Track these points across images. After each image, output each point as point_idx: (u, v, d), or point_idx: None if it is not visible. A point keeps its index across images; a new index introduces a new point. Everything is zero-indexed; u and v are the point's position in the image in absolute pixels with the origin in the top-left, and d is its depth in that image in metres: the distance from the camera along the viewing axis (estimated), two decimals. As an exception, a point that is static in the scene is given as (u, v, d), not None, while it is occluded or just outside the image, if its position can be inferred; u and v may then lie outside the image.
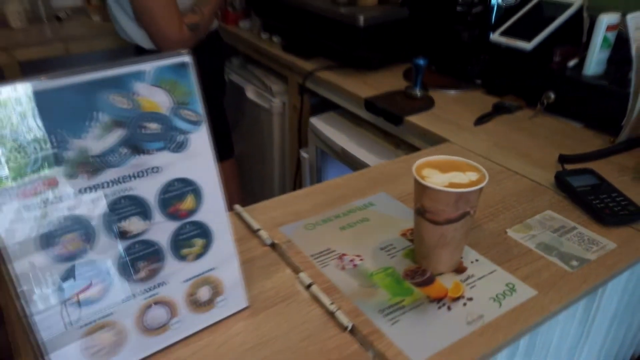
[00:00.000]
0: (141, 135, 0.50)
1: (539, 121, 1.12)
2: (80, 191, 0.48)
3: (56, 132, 0.46)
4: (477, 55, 1.30)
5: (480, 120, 1.12)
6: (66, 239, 0.48)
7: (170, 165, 0.53)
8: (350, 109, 1.35)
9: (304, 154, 1.54)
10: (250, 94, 1.72)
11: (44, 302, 0.48)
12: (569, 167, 0.92)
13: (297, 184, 1.67)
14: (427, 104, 1.21)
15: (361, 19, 1.26)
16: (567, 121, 1.12)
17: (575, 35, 1.17)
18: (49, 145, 0.46)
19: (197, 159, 0.55)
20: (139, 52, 1.36)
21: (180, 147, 0.53)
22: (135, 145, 0.50)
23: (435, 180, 0.62)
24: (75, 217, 0.48)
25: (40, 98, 0.45)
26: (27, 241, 0.46)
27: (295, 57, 1.52)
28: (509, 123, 1.12)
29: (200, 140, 0.54)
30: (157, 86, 0.51)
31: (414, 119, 1.14)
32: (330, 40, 1.41)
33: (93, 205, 0.49)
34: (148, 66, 0.50)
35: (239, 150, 1.85)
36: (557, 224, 0.77)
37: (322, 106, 1.49)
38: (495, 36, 1.21)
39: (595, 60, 1.06)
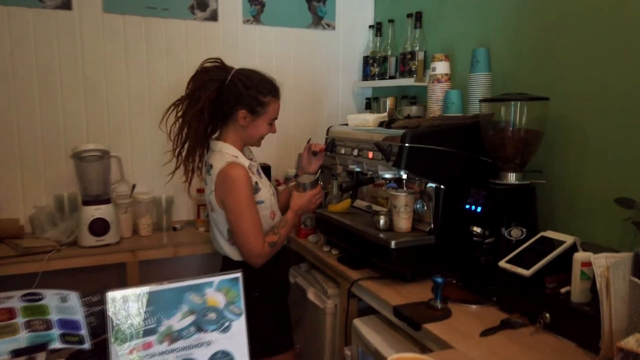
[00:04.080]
0: (204, 320, 0.84)
1: (538, 337, 1.31)
2: (162, 352, 0.81)
3: (157, 315, 0.81)
4: (494, 276, 1.55)
5: (486, 332, 1.33)
6: (149, 382, 0.79)
7: (218, 341, 0.84)
8: (384, 314, 1.61)
9: (347, 352, 1.76)
10: (311, 295, 2.05)
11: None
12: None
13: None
14: (444, 314, 1.45)
15: (393, 242, 1.62)
16: (561, 339, 1.29)
17: (570, 265, 1.40)
18: (152, 322, 0.81)
19: (236, 338, 0.86)
20: (226, 261, 1.78)
21: (226, 329, 0.85)
22: (199, 326, 0.83)
23: (399, 370, 0.86)
24: (156, 368, 0.80)
25: (152, 296, 0.81)
26: (127, 379, 0.78)
27: (346, 267, 1.86)
28: (511, 337, 1.31)
29: (239, 326, 0.86)
30: (218, 291, 0.86)
31: (430, 326, 1.38)
32: (372, 256, 1.76)
33: (168, 362, 0.81)
34: (215, 279, 0.86)
35: (301, 343, 2.10)
36: None
37: (370, 310, 1.76)
38: (501, 263, 1.48)
39: (578, 290, 1.28)
